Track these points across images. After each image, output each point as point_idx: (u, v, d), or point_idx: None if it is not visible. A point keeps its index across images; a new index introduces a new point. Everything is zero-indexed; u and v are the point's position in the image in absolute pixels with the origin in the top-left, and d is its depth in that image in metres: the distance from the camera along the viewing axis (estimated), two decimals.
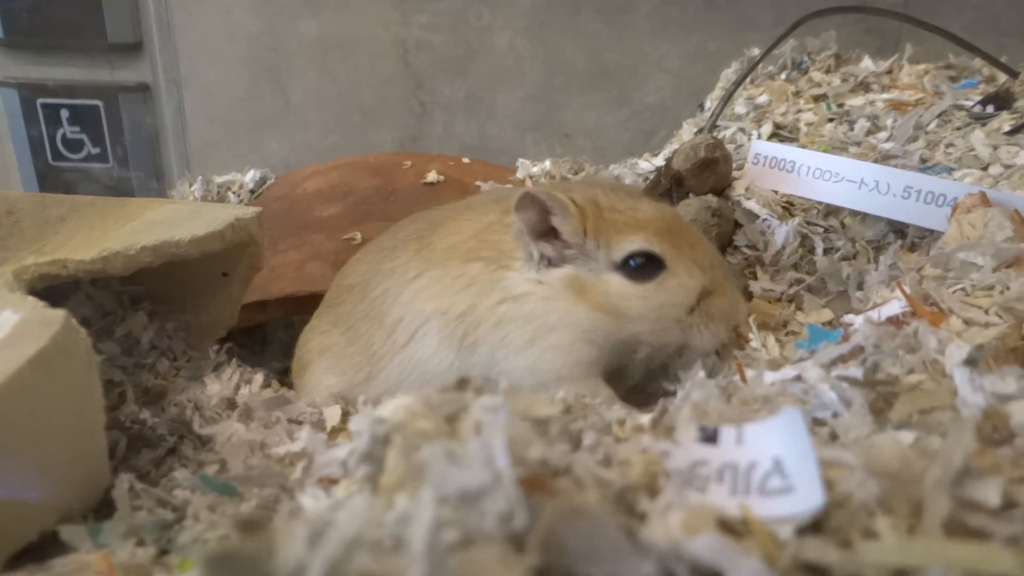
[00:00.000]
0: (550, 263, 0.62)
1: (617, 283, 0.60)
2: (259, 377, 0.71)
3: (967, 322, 0.52)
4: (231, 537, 0.41)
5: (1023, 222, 0.62)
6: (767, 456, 0.31)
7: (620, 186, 0.68)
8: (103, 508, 0.52)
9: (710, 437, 0.33)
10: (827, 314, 0.63)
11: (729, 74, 1.09)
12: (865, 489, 0.30)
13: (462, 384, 0.38)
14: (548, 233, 0.61)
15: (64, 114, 1.60)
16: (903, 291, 0.53)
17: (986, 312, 0.53)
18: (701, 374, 0.45)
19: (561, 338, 0.61)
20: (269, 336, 1.03)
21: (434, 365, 0.66)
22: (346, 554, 0.26)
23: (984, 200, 0.64)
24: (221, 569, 0.25)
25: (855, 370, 0.43)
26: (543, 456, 0.30)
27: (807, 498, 0.29)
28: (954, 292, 0.55)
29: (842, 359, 0.46)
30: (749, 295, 0.68)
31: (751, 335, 0.58)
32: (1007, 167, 0.78)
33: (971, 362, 0.45)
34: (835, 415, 0.42)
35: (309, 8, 1.52)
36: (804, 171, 0.72)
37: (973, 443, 0.31)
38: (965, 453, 0.30)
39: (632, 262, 0.60)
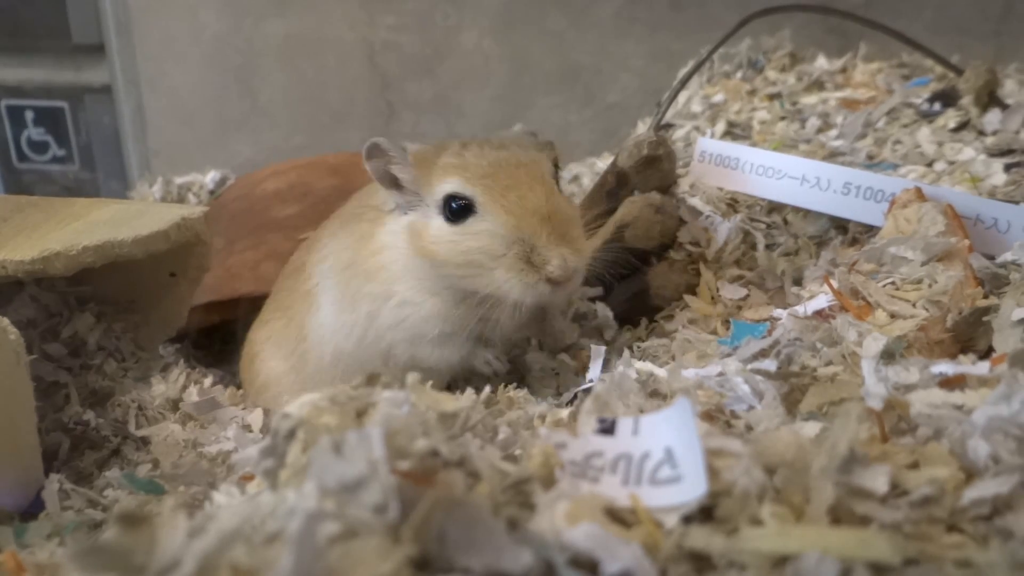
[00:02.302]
0: (405, 213, 0.61)
1: (436, 226, 0.59)
2: (208, 379, 0.71)
3: (893, 315, 0.53)
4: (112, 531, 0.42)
5: (956, 216, 0.63)
6: (660, 446, 0.32)
7: (522, 141, 0.66)
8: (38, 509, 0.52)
9: (608, 429, 0.33)
10: (768, 310, 0.64)
11: (686, 73, 1.09)
12: (751, 477, 0.30)
13: (372, 379, 0.38)
14: (396, 182, 0.61)
15: (29, 115, 1.59)
16: (830, 285, 0.54)
17: (913, 305, 0.54)
18: (621, 368, 0.45)
19: (407, 289, 0.60)
20: (229, 337, 1.02)
21: (330, 323, 0.65)
22: (221, 547, 0.26)
23: (920, 195, 0.65)
24: (92, 564, 0.25)
25: (770, 363, 0.44)
26: (433, 448, 0.30)
27: (693, 487, 0.30)
28: (884, 286, 0.56)
29: (763, 353, 0.47)
30: (692, 291, 0.68)
31: (681, 329, 0.58)
32: (951, 163, 0.79)
33: (888, 354, 0.46)
34: (750, 408, 0.42)
35: (275, 8, 1.51)
36: (748, 168, 0.72)
37: (859, 431, 0.31)
38: (850, 441, 0.31)
39: (453, 204, 0.57)
